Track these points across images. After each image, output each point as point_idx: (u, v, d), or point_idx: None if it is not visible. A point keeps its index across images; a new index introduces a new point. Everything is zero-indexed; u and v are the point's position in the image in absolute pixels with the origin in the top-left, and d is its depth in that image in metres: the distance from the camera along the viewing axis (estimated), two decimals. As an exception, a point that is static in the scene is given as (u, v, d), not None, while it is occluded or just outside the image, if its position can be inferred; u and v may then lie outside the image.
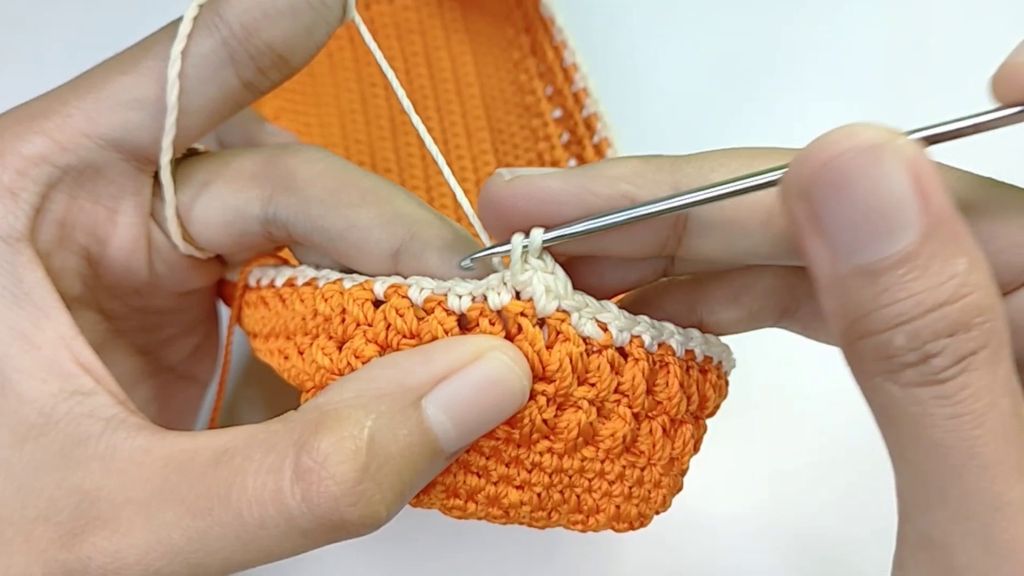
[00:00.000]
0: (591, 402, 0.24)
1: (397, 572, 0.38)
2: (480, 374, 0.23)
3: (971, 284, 0.19)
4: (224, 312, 0.36)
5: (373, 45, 0.28)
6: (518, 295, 0.23)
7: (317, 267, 0.28)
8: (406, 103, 0.27)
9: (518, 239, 0.23)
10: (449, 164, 0.47)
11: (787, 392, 0.40)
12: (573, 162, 0.43)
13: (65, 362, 0.25)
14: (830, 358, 0.29)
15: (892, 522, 0.22)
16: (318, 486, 0.21)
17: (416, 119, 0.26)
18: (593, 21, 0.50)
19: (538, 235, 0.23)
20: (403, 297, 0.24)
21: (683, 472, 0.26)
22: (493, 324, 0.23)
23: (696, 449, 0.26)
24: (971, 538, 0.20)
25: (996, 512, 0.19)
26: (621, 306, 0.25)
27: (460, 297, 0.24)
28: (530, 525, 0.26)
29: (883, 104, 0.47)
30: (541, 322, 0.23)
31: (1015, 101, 0.20)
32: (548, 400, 0.24)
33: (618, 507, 0.26)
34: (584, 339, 0.24)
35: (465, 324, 0.24)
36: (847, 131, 0.19)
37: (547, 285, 0.23)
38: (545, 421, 0.24)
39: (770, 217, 0.23)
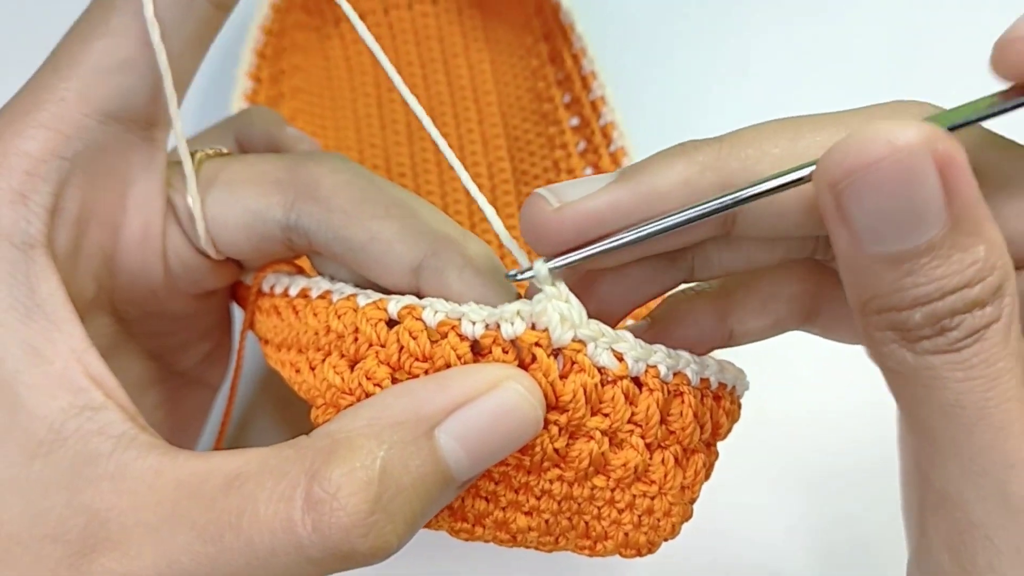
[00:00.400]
0: (604, 432, 0.23)
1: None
2: (494, 404, 0.22)
3: (989, 267, 0.20)
4: (238, 318, 0.35)
5: (363, 30, 0.27)
6: (533, 324, 0.23)
7: (332, 279, 0.28)
8: (411, 99, 0.26)
9: (541, 266, 0.23)
10: (467, 171, 0.47)
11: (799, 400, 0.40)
12: (589, 170, 0.43)
13: (76, 376, 0.24)
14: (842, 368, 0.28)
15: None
16: (329, 517, 0.21)
17: (427, 121, 0.26)
18: (610, 28, 0.50)
19: (540, 267, 0.23)
20: (417, 319, 0.23)
21: (693, 500, 0.26)
22: (506, 352, 0.23)
23: (707, 476, 0.26)
24: (987, 493, 0.20)
25: (1010, 469, 0.20)
26: (645, 324, 0.25)
27: (474, 324, 0.23)
28: (537, 549, 0.26)
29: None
30: (556, 351, 0.23)
31: (1012, 76, 0.20)
32: (560, 430, 0.23)
33: (627, 535, 0.25)
34: (599, 369, 0.23)
35: (478, 350, 0.23)
36: (880, 132, 0.19)
37: (562, 314, 0.22)
38: (556, 450, 0.23)
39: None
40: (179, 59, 0.26)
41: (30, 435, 0.23)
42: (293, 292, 0.28)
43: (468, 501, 0.24)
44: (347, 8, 0.26)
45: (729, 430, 0.27)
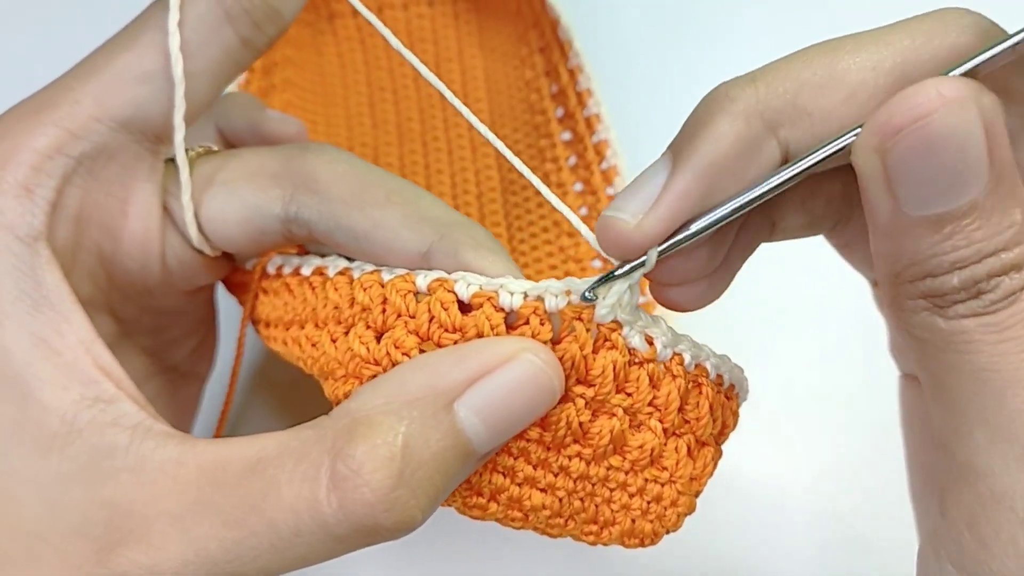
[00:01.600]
0: (625, 411, 0.24)
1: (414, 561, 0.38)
2: (512, 376, 0.23)
3: (1023, 232, 0.20)
4: (223, 310, 0.35)
5: (375, 20, 0.27)
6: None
7: (349, 258, 0.28)
8: (441, 86, 0.27)
9: (653, 254, 0.23)
10: (452, 176, 0.47)
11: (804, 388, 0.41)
12: (579, 186, 0.43)
13: (86, 368, 0.24)
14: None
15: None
16: (354, 494, 0.21)
17: (464, 109, 0.27)
18: (604, 37, 0.50)
19: (653, 255, 0.23)
20: (449, 292, 0.24)
21: (698, 493, 0.27)
22: (543, 324, 0.23)
23: (711, 472, 0.27)
24: (1014, 462, 0.20)
25: None
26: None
27: (512, 295, 0.23)
28: (544, 532, 0.26)
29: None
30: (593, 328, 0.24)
31: None
32: (586, 403, 0.24)
33: (633, 522, 0.26)
34: (630, 350, 0.24)
35: (512, 322, 0.24)
36: (932, 91, 0.19)
37: (620, 298, 0.23)
38: (580, 424, 0.24)
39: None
40: (197, 78, 0.26)
41: (44, 428, 0.23)
42: (307, 271, 0.28)
43: (485, 475, 0.25)
44: (363, 9, 0.27)
45: (728, 434, 0.28)
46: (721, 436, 0.27)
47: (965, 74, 0.21)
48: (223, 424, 0.34)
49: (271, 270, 0.30)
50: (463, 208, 0.45)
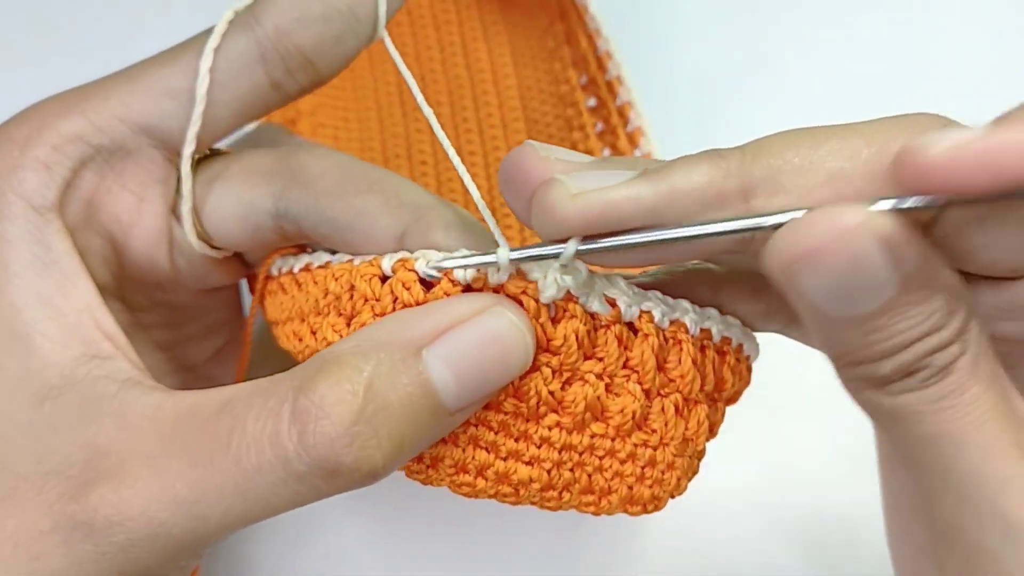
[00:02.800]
0: (598, 376, 0.24)
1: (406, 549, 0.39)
2: (482, 329, 0.23)
3: (948, 313, 0.21)
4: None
5: (399, 61, 0.28)
6: (523, 276, 0.23)
7: (332, 252, 0.29)
8: (427, 111, 0.26)
9: (573, 245, 0.22)
10: (485, 155, 0.47)
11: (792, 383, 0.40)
12: (607, 151, 0.43)
13: (88, 328, 0.26)
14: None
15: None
16: (314, 426, 0.22)
17: (437, 127, 0.26)
18: (624, 6, 0.49)
19: (572, 247, 0.22)
20: (409, 270, 0.24)
21: (699, 455, 0.26)
22: (498, 292, 0.23)
23: (713, 433, 0.26)
24: (984, 517, 0.21)
25: (1001, 489, 0.21)
26: (644, 284, 0.25)
27: (466, 269, 0.23)
28: (541, 506, 0.26)
29: (923, 95, 0.46)
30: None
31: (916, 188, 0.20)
32: (553, 372, 0.24)
33: (631, 488, 0.25)
34: (592, 315, 0.23)
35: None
36: (820, 218, 0.20)
37: (559, 283, 0.23)
38: (552, 393, 0.24)
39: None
40: (219, 107, 0.27)
41: (43, 380, 0.25)
42: (297, 268, 0.29)
43: (468, 452, 0.25)
44: (382, 31, 0.28)
45: (738, 391, 0.27)
46: (719, 392, 0.26)
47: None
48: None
49: (275, 272, 0.30)
50: (495, 190, 0.45)
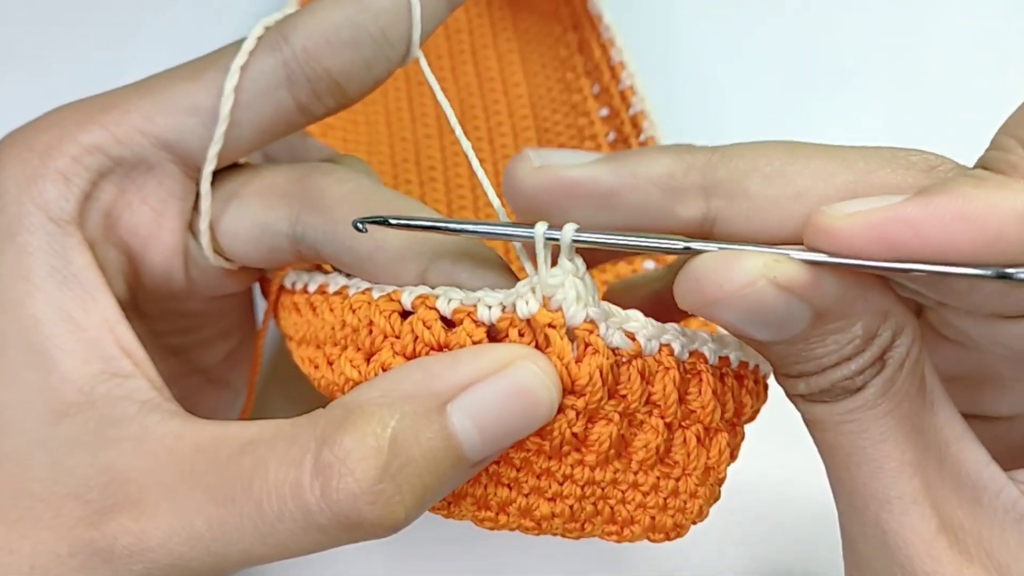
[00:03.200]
0: (622, 414, 0.23)
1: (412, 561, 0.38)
2: (508, 383, 0.22)
3: (868, 339, 0.21)
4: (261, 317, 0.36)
5: (433, 81, 0.28)
6: (546, 303, 0.23)
7: (348, 276, 0.28)
8: (458, 131, 0.27)
9: (541, 228, 0.22)
10: (495, 163, 0.47)
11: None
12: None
13: (108, 345, 0.25)
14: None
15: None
16: (337, 482, 0.21)
17: (465, 143, 0.27)
18: (637, 16, 0.49)
19: (569, 231, 0.22)
20: (431, 308, 0.23)
21: (720, 481, 0.26)
22: (522, 335, 0.23)
23: (733, 457, 0.26)
24: (869, 530, 0.22)
25: (887, 505, 0.22)
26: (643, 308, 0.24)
27: (490, 308, 0.23)
28: (563, 536, 0.26)
29: (926, 95, 0.46)
30: (570, 333, 0.23)
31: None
32: (577, 414, 0.23)
33: (653, 518, 0.25)
34: (613, 350, 0.23)
35: (495, 335, 0.23)
36: (716, 269, 0.20)
37: (577, 291, 0.22)
38: (575, 434, 0.23)
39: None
40: (242, 127, 0.27)
41: (60, 396, 0.24)
42: (312, 288, 0.28)
43: (490, 489, 0.24)
44: (416, 52, 0.27)
45: (755, 410, 0.26)
46: (738, 417, 0.26)
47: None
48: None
49: (288, 285, 0.30)
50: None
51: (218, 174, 0.29)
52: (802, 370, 0.22)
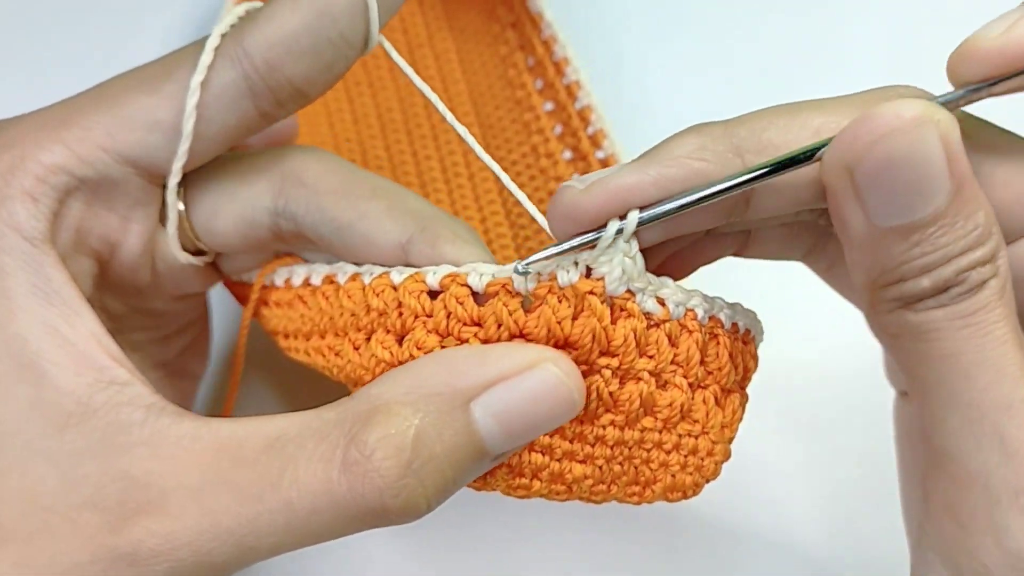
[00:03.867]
0: (651, 373, 0.25)
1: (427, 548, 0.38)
2: (532, 384, 0.23)
3: (987, 232, 0.22)
4: (216, 310, 0.36)
5: (404, 64, 0.28)
6: (588, 272, 0.24)
7: (329, 262, 0.28)
8: (448, 116, 0.28)
9: (614, 225, 0.23)
10: (440, 160, 0.47)
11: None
12: (568, 154, 0.43)
13: (98, 356, 0.25)
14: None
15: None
16: (363, 478, 0.22)
17: (471, 139, 0.28)
18: (580, 13, 0.50)
19: (634, 217, 0.23)
20: (463, 285, 0.24)
21: (731, 439, 0.27)
22: (561, 301, 0.23)
23: (741, 417, 0.27)
24: (985, 440, 0.21)
25: (1008, 410, 0.21)
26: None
27: (526, 277, 0.24)
28: (588, 500, 0.27)
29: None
30: (607, 301, 0.24)
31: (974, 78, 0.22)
32: (612, 373, 0.24)
33: (674, 476, 0.26)
34: (645, 315, 0.24)
35: (528, 306, 0.24)
36: (891, 113, 0.20)
37: (624, 269, 0.24)
38: (611, 394, 0.24)
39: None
40: (206, 141, 0.27)
41: (59, 408, 0.24)
42: (316, 280, 0.28)
43: (524, 456, 0.25)
44: (374, 40, 0.27)
45: (750, 377, 0.28)
46: (744, 380, 0.28)
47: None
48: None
49: (279, 282, 0.30)
50: (456, 192, 0.45)
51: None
52: (926, 262, 0.21)
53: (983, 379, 0.21)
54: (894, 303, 0.22)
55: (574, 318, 0.24)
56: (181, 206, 0.29)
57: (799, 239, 0.29)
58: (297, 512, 0.23)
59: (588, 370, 0.24)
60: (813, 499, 0.40)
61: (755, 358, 0.28)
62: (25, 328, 0.25)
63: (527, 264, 0.24)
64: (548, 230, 0.25)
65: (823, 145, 0.22)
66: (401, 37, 0.51)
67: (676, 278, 0.26)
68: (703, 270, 0.30)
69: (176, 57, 0.27)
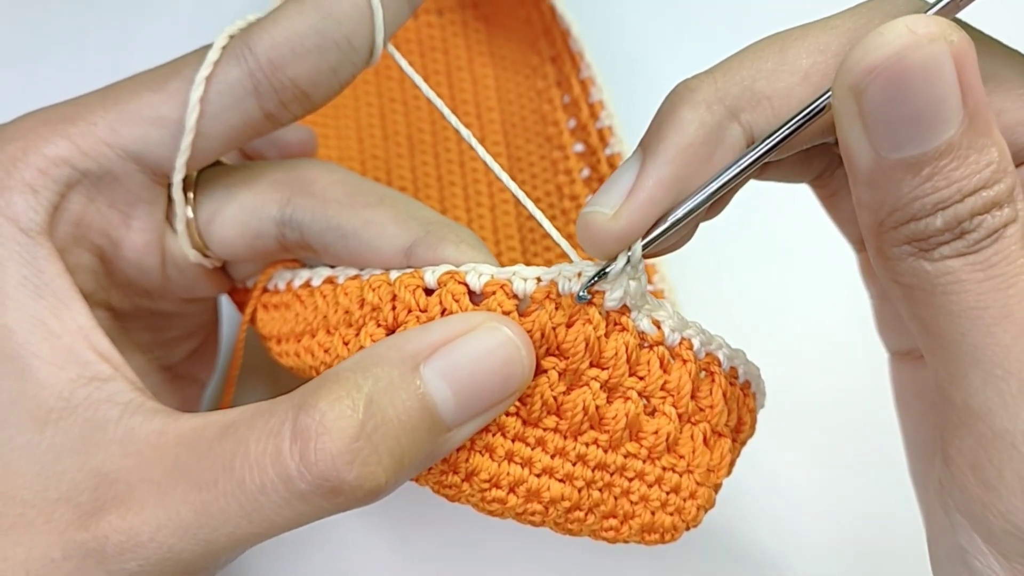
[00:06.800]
0: (640, 394, 0.24)
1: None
2: (478, 343, 0.23)
3: (1002, 170, 0.20)
4: (227, 317, 0.36)
5: (411, 71, 0.28)
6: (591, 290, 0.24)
7: (331, 267, 0.29)
8: (453, 120, 0.27)
9: (623, 259, 0.23)
10: (464, 187, 0.47)
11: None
12: (586, 171, 0.43)
13: (83, 351, 0.25)
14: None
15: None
16: (315, 443, 0.22)
17: (477, 145, 0.27)
18: (612, 45, 0.50)
19: (638, 248, 0.23)
20: (460, 283, 0.24)
21: (717, 487, 0.27)
22: (558, 308, 0.24)
23: (729, 470, 0.27)
24: (1011, 398, 0.20)
25: None
26: None
27: (526, 280, 0.24)
28: (563, 528, 0.26)
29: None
30: (604, 314, 0.24)
31: None
32: (601, 386, 0.24)
33: (653, 514, 0.26)
34: (639, 333, 0.24)
35: (524, 308, 0.24)
36: (902, 28, 0.19)
37: (627, 290, 0.24)
38: (597, 408, 0.24)
39: None
40: (210, 139, 0.27)
41: (40, 403, 0.24)
42: (316, 282, 0.28)
43: (504, 466, 0.25)
44: (378, 52, 0.27)
45: (748, 436, 0.28)
46: (739, 433, 0.27)
47: None
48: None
49: (281, 286, 0.30)
50: (476, 220, 0.44)
51: (205, 171, 0.29)
52: (939, 198, 0.20)
53: (1008, 335, 0.20)
54: (906, 247, 0.21)
55: (569, 325, 0.24)
56: (190, 213, 0.29)
57: (812, 164, 0.28)
58: (249, 492, 0.22)
59: (577, 382, 0.24)
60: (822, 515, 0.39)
61: (752, 414, 0.27)
62: (12, 320, 0.25)
63: (583, 288, 0.24)
64: (573, 256, 0.25)
65: (819, 102, 0.21)
66: (441, 57, 0.51)
67: (716, 213, 0.26)
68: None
69: (185, 58, 0.27)
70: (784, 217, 0.40)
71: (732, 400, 0.26)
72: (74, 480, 0.24)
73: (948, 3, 0.20)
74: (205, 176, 0.29)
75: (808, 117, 0.22)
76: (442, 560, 0.37)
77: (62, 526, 0.23)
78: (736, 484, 0.34)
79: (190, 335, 0.34)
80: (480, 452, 0.25)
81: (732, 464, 0.27)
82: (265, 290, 0.31)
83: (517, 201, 0.45)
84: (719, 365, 0.25)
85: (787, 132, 0.22)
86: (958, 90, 0.19)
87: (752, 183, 0.27)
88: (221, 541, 0.23)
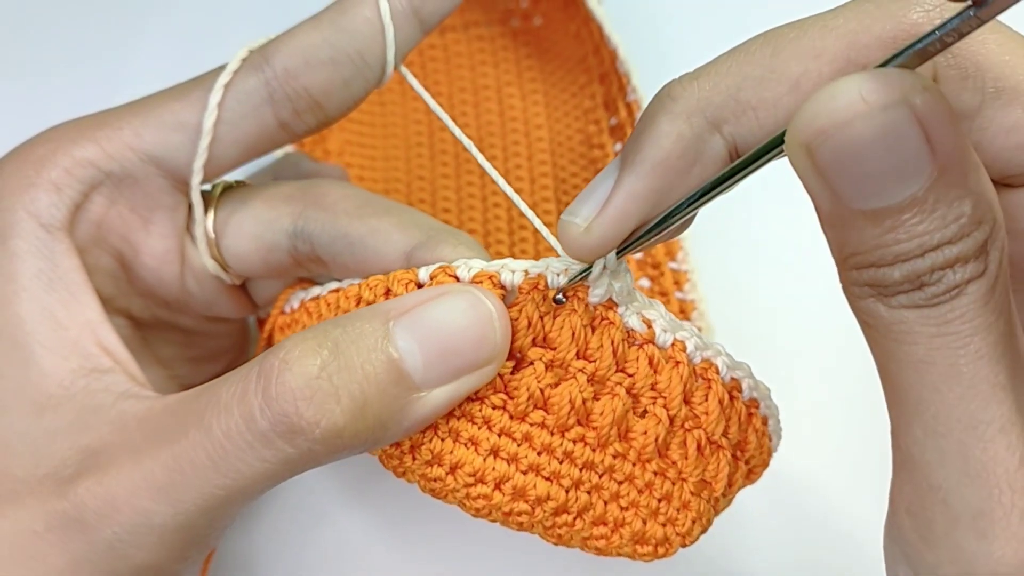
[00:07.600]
0: (628, 391, 0.24)
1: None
2: (449, 304, 0.24)
3: (974, 223, 0.19)
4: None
5: (422, 91, 0.29)
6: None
7: (339, 281, 0.30)
8: (466, 141, 0.29)
9: (599, 265, 0.24)
10: (507, 209, 0.46)
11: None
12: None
13: (88, 343, 0.27)
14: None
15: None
16: (277, 378, 0.23)
17: (483, 160, 0.28)
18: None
19: (612, 257, 0.24)
20: (451, 276, 0.25)
21: (715, 504, 0.26)
22: (546, 299, 0.24)
23: (730, 487, 0.26)
24: (948, 456, 0.20)
25: (973, 430, 0.19)
26: None
27: (514, 272, 0.24)
28: (552, 534, 0.26)
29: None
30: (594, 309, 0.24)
31: None
32: (588, 379, 0.24)
33: (644, 522, 0.25)
34: (628, 331, 0.24)
35: (512, 300, 0.24)
36: (854, 95, 0.17)
37: (609, 288, 0.24)
38: (584, 402, 0.24)
39: None
40: (226, 145, 0.28)
41: (41, 391, 0.26)
42: (324, 292, 0.29)
43: (490, 461, 0.25)
44: (389, 72, 0.28)
45: (757, 465, 0.27)
46: (741, 452, 0.26)
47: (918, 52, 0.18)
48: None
49: (295, 304, 0.31)
50: (518, 245, 0.44)
51: (224, 191, 0.31)
52: (900, 251, 0.19)
53: (952, 394, 0.19)
54: (866, 288, 0.20)
55: (555, 316, 0.24)
56: (209, 221, 0.30)
57: None
58: (215, 437, 0.23)
59: (564, 374, 0.24)
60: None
61: (759, 436, 0.26)
62: (25, 310, 0.26)
63: (561, 291, 0.24)
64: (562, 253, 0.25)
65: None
66: (491, 71, 0.51)
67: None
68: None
69: (209, 73, 0.29)
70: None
71: (731, 412, 0.25)
72: (63, 457, 0.25)
73: (931, 41, 0.18)
74: (227, 196, 0.31)
75: (762, 160, 0.21)
76: (442, 560, 0.38)
77: (44, 497, 0.25)
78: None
79: (215, 357, 0.35)
80: (465, 444, 0.25)
81: (734, 482, 0.26)
82: (282, 312, 0.32)
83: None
84: (716, 372, 0.25)
85: (759, 152, 0.21)
86: (925, 148, 0.18)
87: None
88: (190, 498, 0.23)
